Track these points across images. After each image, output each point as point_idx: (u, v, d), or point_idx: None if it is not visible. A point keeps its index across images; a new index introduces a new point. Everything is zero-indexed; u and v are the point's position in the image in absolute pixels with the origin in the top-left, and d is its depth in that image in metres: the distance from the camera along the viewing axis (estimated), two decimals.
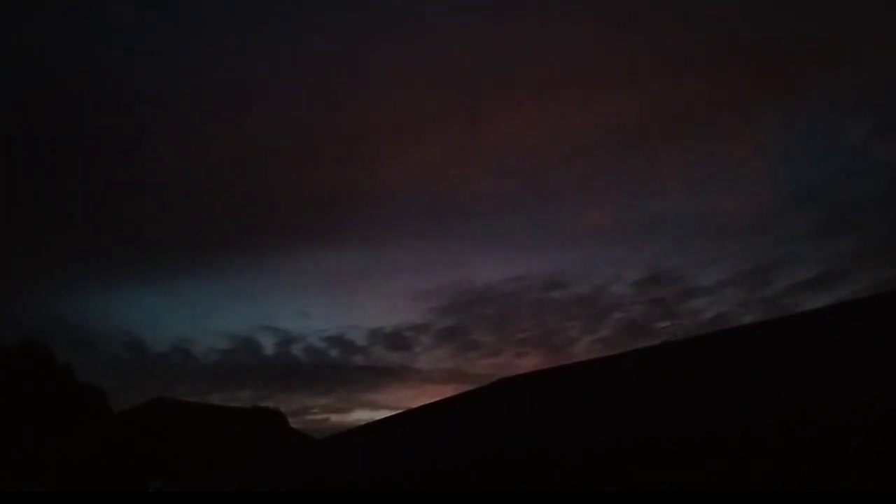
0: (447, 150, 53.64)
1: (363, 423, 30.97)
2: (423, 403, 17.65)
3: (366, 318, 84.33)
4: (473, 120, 51.80)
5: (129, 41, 53.24)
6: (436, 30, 48.40)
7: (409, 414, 17.33)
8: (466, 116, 52.10)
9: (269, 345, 68.33)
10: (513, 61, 48.81)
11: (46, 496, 20.71)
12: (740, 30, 42.20)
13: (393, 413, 19.07)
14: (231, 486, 13.20)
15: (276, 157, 55.68)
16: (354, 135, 53.00)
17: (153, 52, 53.69)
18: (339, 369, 60.11)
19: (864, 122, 43.49)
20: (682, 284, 45.89)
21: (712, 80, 45.83)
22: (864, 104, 42.29)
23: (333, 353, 62.82)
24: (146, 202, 56.62)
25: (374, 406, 61.65)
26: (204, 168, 54.40)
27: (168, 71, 52.74)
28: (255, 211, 59.45)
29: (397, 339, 60.59)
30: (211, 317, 78.87)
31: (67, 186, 54.63)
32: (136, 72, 51.38)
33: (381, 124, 52.20)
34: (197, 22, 53.29)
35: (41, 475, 28.00)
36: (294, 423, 42.77)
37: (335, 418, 59.47)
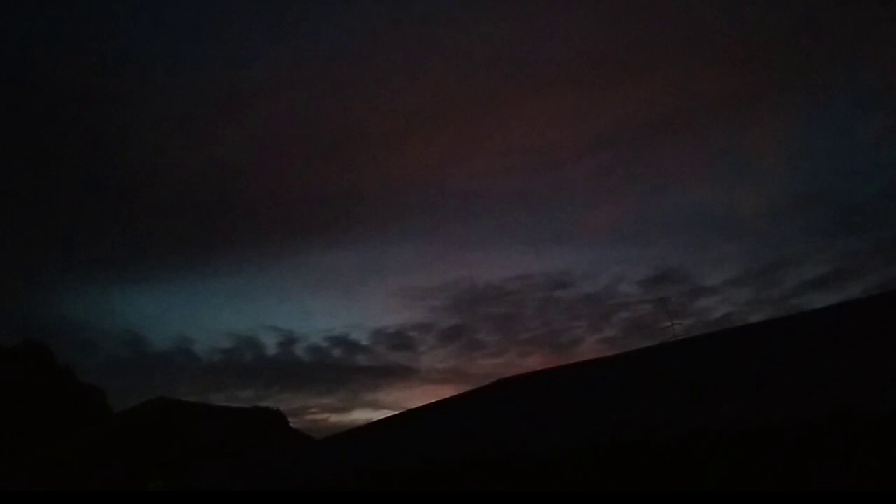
0: (451, 149, 53.63)
1: (363, 422, 30.95)
2: (424, 403, 17.67)
3: (369, 317, 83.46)
4: (478, 118, 51.82)
5: (132, 41, 53.28)
6: (440, 28, 48.36)
7: (410, 414, 17.32)
8: (471, 115, 52.10)
9: (271, 344, 67.72)
10: (521, 58, 48.82)
11: (46, 496, 20.68)
12: (756, 25, 42.03)
13: (394, 413, 19.06)
14: (231, 486, 13.19)
15: (279, 157, 55.70)
16: (359, 134, 53.07)
17: (157, 54, 53.72)
18: (341, 369, 59.68)
19: (879, 119, 43.20)
20: (689, 283, 45.66)
21: (725, 76, 45.65)
22: (880, 102, 42.00)
23: (336, 352, 62.15)
24: (148, 202, 56.63)
25: (376, 406, 61.22)
26: (207, 168, 54.46)
27: (171, 72, 52.77)
28: (258, 210, 59.47)
29: (401, 339, 60.03)
30: (213, 316, 78.03)
31: (69, 186, 54.68)
32: (138, 72, 51.40)
33: (384, 123, 52.20)
34: (200, 22, 53.31)
35: (41, 475, 27.98)
36: (294, 422, 42.65)
37: (335, 418, 59.13)
